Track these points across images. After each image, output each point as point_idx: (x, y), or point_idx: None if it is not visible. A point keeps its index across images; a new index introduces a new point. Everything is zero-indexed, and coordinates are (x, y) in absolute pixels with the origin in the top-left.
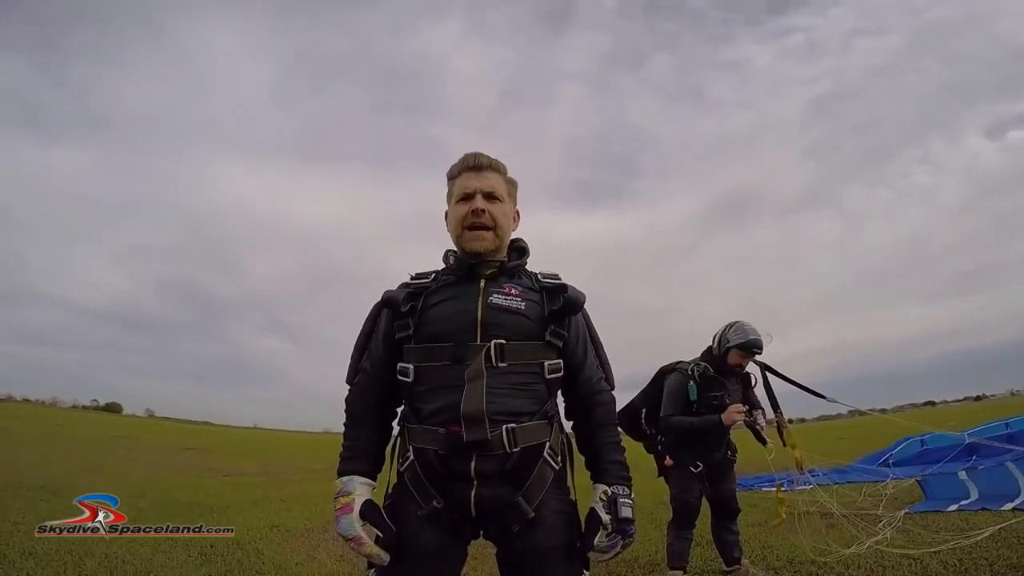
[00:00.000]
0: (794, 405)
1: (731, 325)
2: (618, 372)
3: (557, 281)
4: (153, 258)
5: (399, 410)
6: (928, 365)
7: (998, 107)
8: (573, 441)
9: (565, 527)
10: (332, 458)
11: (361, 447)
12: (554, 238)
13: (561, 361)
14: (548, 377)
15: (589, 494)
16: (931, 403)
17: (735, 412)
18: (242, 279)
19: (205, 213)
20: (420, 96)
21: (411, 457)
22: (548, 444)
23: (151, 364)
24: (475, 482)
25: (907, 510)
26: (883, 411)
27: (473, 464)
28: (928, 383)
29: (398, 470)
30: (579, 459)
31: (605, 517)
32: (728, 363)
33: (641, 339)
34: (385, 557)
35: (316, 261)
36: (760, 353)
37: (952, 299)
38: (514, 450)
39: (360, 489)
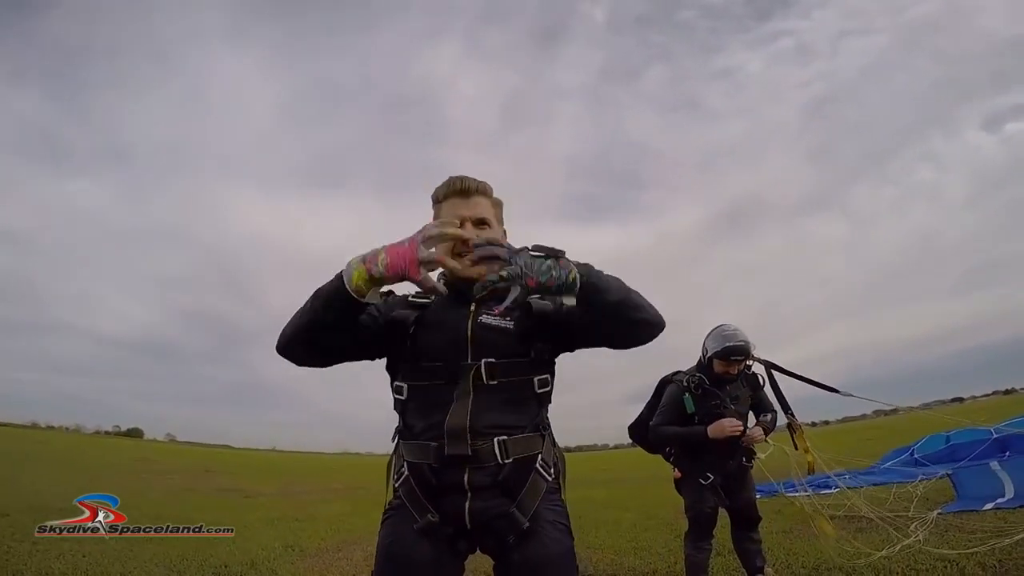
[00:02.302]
0: (815, 407)
1: (711, 331)
2: (628, 384)
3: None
4: (172, 287)
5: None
6: (951, 361)
7: (992, 100)
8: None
9: (561, 539)
10: (349, 478)
11: None
12: None
13: (549, 376)
14: (538, 392)
15: (583, 510)
16: (959, 399)
17: (727, 426)
18: (259, 306)
19: (221, 242)
20: (424, 120)
21: (405, 472)
22: (540, 456)
23: (172, 390)
24: (469, 494)
25: (940, 510)
26: (910, 408)
27: (466, 476)
28: (954, 379)
29: (394, 486)
30: (571, 476)
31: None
32: (715, 373)
33: (652, 351)
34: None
35: None
36: (743, 359)
37: (968, 293)
38: (506, 461)
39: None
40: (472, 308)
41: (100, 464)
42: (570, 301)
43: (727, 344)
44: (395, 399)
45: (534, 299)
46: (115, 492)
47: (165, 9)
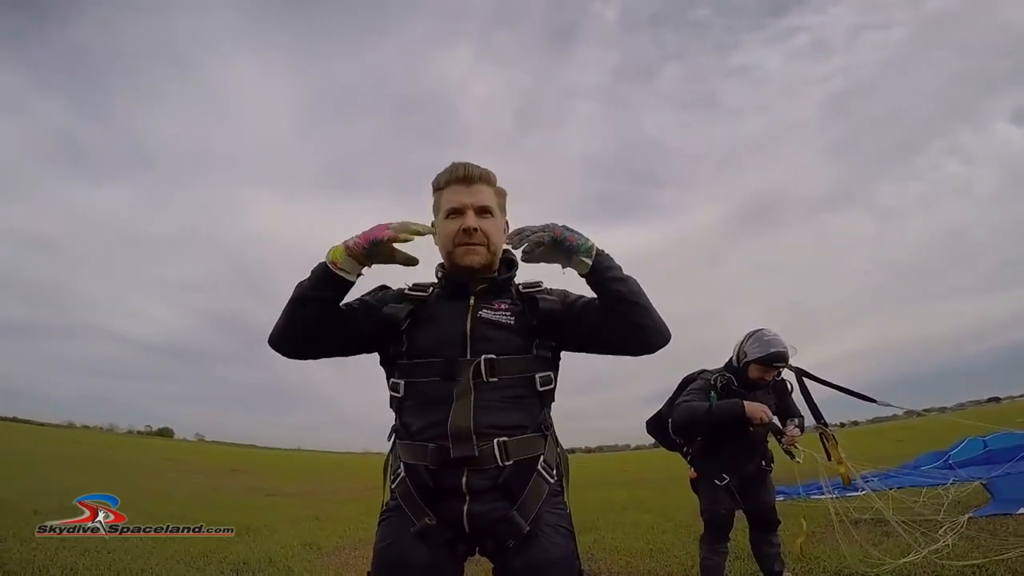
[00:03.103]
0: (843, 408)
1: (751, 335)
2: (649, 384)
3: (533, 291)
4: (197, 290)
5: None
6: (986, 359)
7: (1020, 93)
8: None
9: (563, 542)
10: (368, 478)
11: None
12: None
13: (551, 374)
14: (540, 390)
15: (601, 512)
16: (995, 399)
17: (762, 409)
18: (281, 309)
19: (242, 245)
20: (439, 122)
21: (402, 474)
22: (542, 458)
23: (200, 391)
24: (467, 497)
25: (971, 514)
26: (942, 410)
27: (465, 479)
28: (990, 378)
29: (390, 487)
30: (575, 477)
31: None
32: (750, 377)
33: (673, 349)
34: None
35: (353, 289)
36: (784, 366)
37: (1003, 289)
38: (506, 463)
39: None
40: (471, 302)
41: (133, 464)
42: (582, 268)
43: (771, 350)
44: (391, 396)
45: (542, 296)
46: (144, 491)
47: (182, 15)
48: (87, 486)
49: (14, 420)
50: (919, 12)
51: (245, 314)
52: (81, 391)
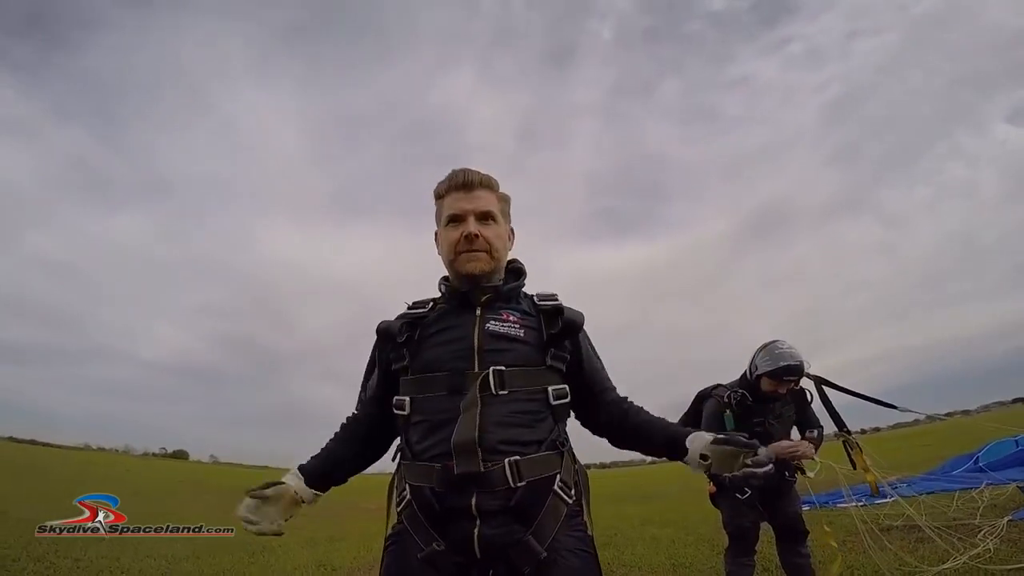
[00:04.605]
0: (865, 414)
1: (763, 348)
2: (660, 396)
3: (554, 303)
4: (211, 314)
5: (396, 444)
6: (1009, 359)
7: (1014, 93)
8: (587, 473)
9: (583, 567)
10: (382, 498)
11: (322, 456)
12: (589, 271)
13: (566, 386)
14: (554, 403)
15: (619, 527)
16: (1021, 399)
17: (783, 449)
18: (295, 332)
19: (255, 270)
20: (444, 145)
21: (408, 496)
22: (559, 476)
23: (215, 414)
24: (477, 520)
25: (1010, 517)
26: (966, 413)
27: (474, 500)
28: (1013, 378)
29: (396, 511)
30: (607, 492)
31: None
32: (762, 390)
33: (684, 363)
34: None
35: (363, 311)
36: (797, 379)
37: (1017, 290)
38: (519, 484)
39: (288, 478)
40: (478, 313)
41: (147, 485)
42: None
43: (782, 363)
44: (396, 415)
45: (568, 306)
46: (158, 511)
47: (193, 45)
48: None
49: (32, 442)
50: (908, 15)
51: (259, 337)
52: (97, 413)
